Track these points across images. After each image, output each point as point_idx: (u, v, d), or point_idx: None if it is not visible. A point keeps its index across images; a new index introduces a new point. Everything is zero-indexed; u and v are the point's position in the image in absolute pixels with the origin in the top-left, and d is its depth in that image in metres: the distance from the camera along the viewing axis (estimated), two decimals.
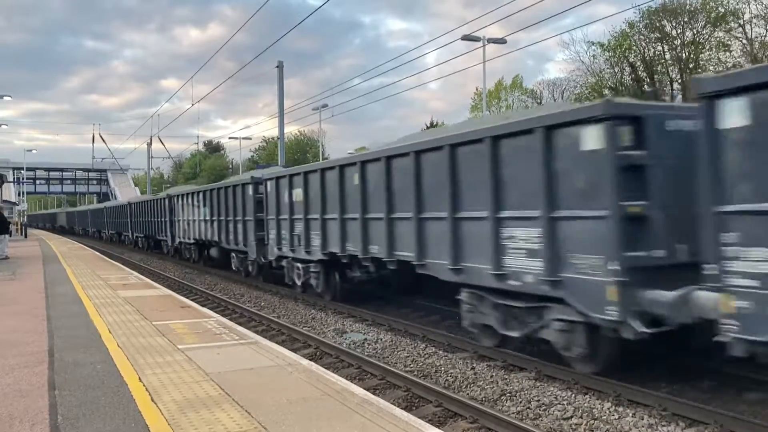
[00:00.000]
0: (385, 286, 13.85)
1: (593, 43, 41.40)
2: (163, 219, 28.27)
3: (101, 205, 57.14)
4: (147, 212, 32.18)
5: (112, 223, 45.23)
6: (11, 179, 71.79)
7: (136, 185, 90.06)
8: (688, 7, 36.60)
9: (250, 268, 18.51)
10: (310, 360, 7.58)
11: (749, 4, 34.84)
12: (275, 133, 46.20)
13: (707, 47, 36.84)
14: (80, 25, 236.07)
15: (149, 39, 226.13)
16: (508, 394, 7.16)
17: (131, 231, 37.46)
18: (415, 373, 8.21)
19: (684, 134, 6.71)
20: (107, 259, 25.30)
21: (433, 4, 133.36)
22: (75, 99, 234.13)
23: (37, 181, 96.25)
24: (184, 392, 5.66)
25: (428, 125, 61.98)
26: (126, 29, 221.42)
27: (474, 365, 8.39)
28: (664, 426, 5.99)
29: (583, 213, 6.93)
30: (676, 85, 38.03)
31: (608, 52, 39.93)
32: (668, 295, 6.26)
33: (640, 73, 38.78)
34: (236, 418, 4.91)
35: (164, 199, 27.99)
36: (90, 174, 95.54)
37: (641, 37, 38.66)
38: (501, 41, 29.64)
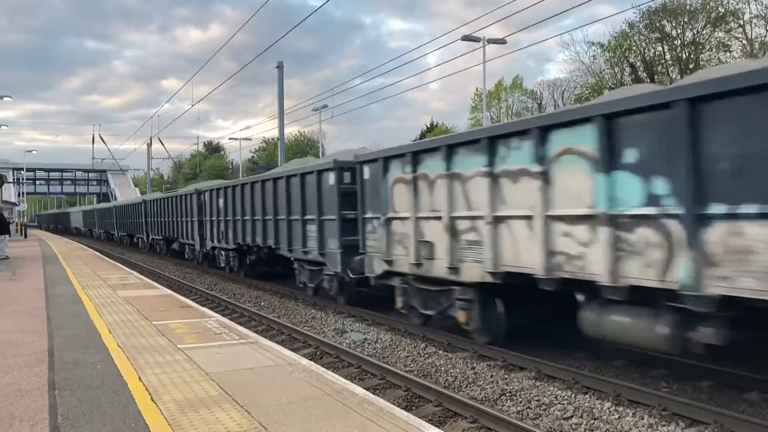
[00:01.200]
0: None
1: (593, 44, 41.61)
2: (296, 216, 14.71)
3: (137, 199, 38.63)
4: (243, 205, 18.14)
5: (156, 225, 30.66)
6: (11, 180, 71.82)
7: (135, 186, 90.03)
8: (688, 7, 36.66)
9: None
10: (310, 360, 7.58)
11: (749, 4, 34.92)
12: (275, 133, 46.16)
13: (707, 47, 36.90)
14: (81, 26, 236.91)
15: (150, 39, 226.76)
16: (508, 394, 7.16)
17: (201, 238, 23.04)
18: (415, 372, 8.22)
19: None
20: (107, 259, 25.30)
21: (434, 4, 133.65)
22: (75, 99, 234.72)
23: (37, 182, 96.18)
24: (184, 392, 5.66)
25: (428, 126, 62.07)
26: (127, 29, 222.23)
27: (474, 365, 8.39)
28: (664, 426, 5.99)
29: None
30: None
31: (608, 52, 40.03)
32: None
33: (640, 73, 38.81)
34: (236, 418, 4.91)
35: (310, 173, 13.93)
36: (90, 175, 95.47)
37: (641, 37, 38.74)
38: (501, 41, 29.65)
